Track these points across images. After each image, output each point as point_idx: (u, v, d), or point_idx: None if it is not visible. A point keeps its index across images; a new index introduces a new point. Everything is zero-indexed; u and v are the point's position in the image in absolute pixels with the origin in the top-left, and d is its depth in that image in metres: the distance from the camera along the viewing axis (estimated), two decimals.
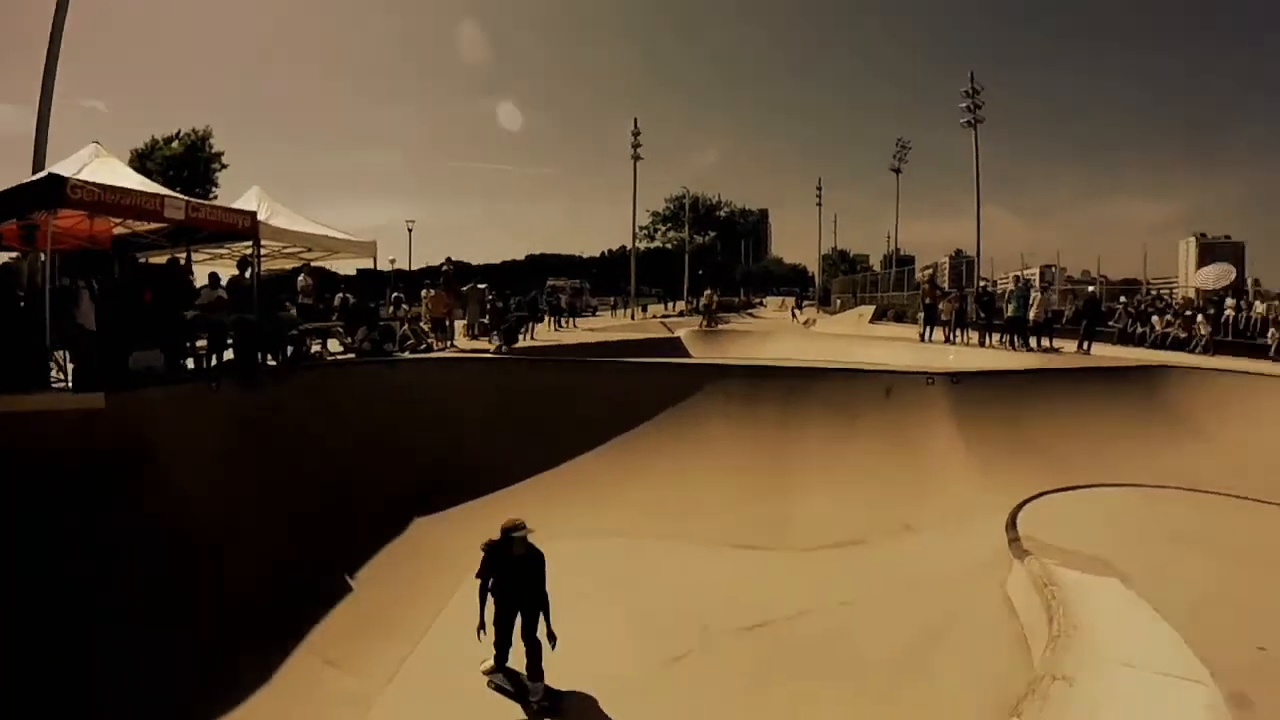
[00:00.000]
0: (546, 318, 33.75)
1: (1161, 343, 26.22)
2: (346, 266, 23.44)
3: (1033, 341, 23.65)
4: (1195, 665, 4.40)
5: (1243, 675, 4.34)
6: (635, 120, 54.23)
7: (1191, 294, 32.98)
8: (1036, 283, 37.33)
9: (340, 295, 19.48)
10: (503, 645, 7.93)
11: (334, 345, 18.09)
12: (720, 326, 38.41)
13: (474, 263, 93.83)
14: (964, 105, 46.51)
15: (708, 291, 45.32)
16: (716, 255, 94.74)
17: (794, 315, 54.99)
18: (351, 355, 17.37)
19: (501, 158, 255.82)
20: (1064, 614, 4.56)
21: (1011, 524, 6.40)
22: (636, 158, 53.93)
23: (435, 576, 10.37)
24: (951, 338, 26.48)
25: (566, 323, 36.37)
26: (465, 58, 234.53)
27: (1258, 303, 28.31)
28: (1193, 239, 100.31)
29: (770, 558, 10.84)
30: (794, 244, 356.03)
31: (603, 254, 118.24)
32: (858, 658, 7.53)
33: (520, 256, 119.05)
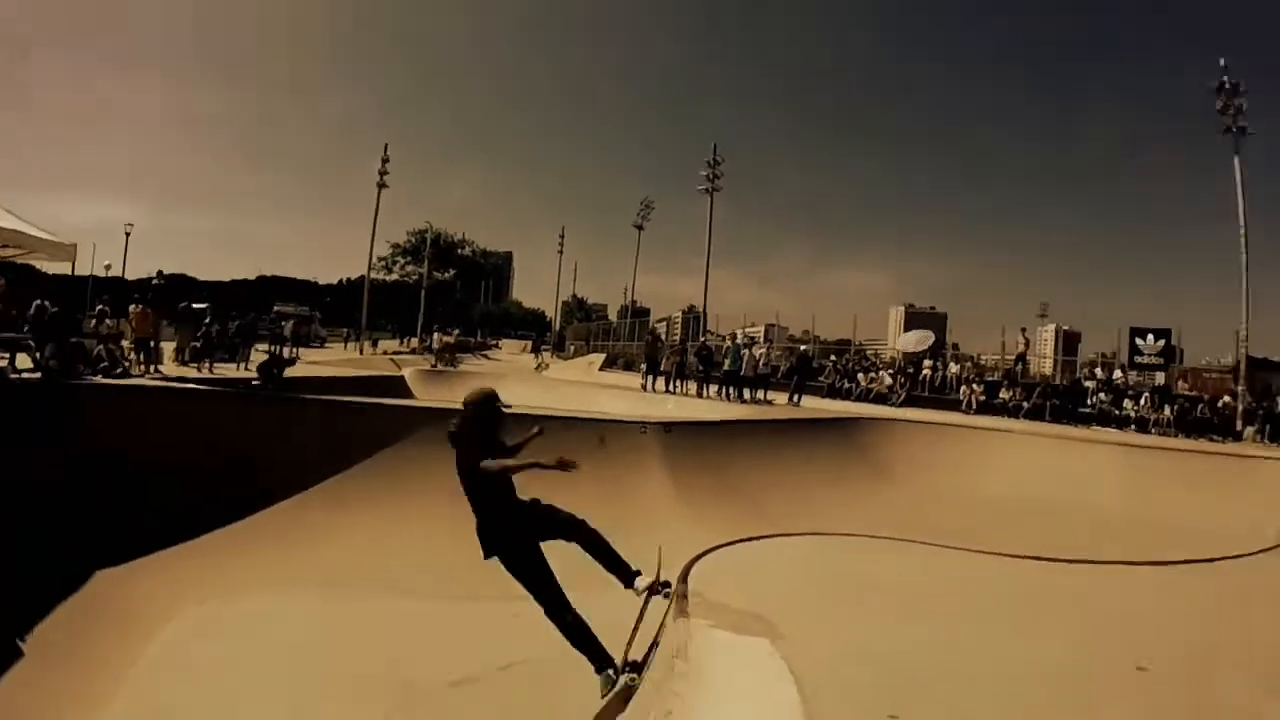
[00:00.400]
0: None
1: (865, 397, 28.64)
2: (57, 269, 21.23)
3: (748, 393, 24.74)
4: None
5: None
6: (385, 146, 52.37)
7: (896, 355, 36.48)
8: (761, 339, 39.71)
9: (37, 303, 17.26)
10: (578, 628, 6.08)
11: (24, 361, 16.18)
12: (453, 368, 37.76)
13: (200, 278, 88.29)
14: (705, 174, 48.72)
15: (456, 331, 44.74)
16: (456, 294, 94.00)
17: (538, 358, 55.39)
18: (39, 375, 15.42)
19: (244, 165, 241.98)
20: (670, 690, 4.23)
21: (683, 578, 6.36)
22: (382, 185, 52.00)
23: (118, 641, 9.30)
24: (672, 388, 27.22)
25: (291, 353, 34.71)
26: (207, 50, 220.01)
27: (952, 364, 32.42)
28: (901, 307, 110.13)
29: (480, 608, 10.42)
30: (536, 288, 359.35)
31: (340, 282, 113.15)
32: (561, 714, 7.36)
33: (252, 276, 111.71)
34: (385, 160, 51.67)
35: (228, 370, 20.20)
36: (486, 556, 6.14)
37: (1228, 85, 32.41)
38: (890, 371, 31.65)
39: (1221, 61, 32.96)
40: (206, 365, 21.12)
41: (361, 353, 45.46)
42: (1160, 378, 32.61)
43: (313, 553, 11.85)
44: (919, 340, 35.38)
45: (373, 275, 59.72)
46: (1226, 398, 29.11)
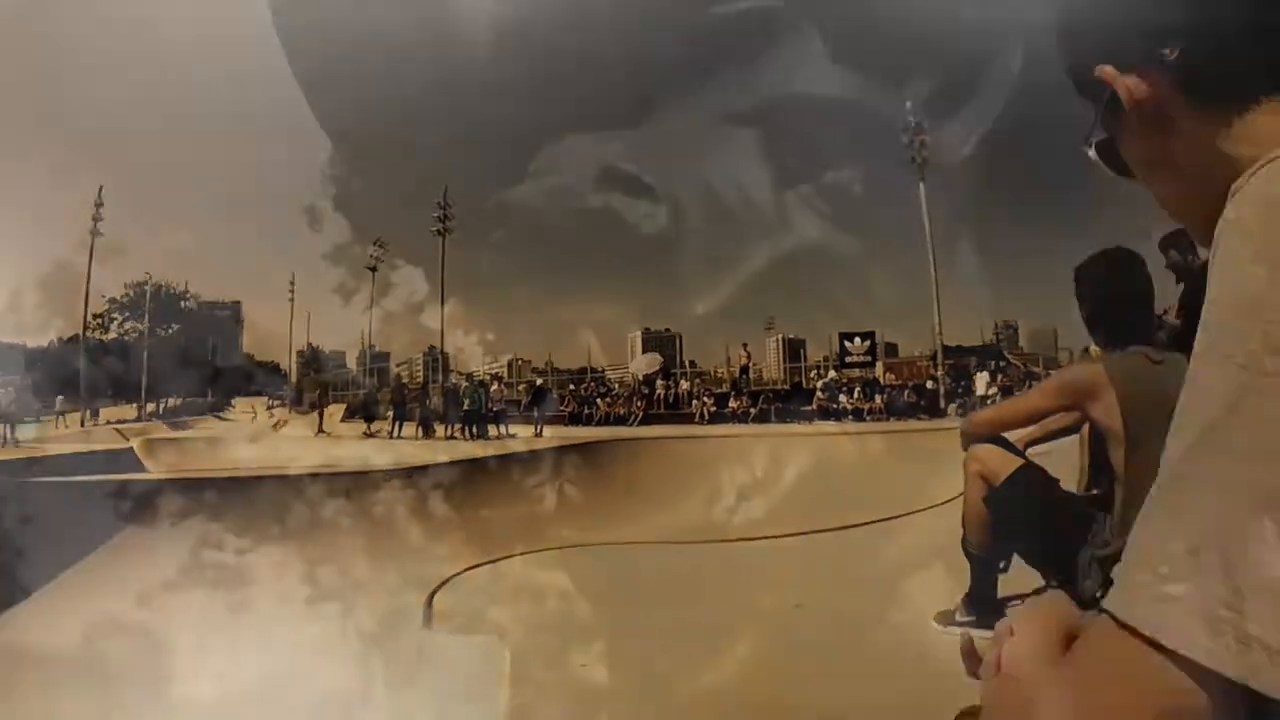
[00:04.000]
0: None
1: (606, 420, 29.77)
2: None
3: (491, 430, 25.33)
4: None
5: None
6: (100, 189, 47.50)
7: (632, 378, 38.18)
8: (505, 374, 40.59)
9: None
10: None
11: None
12: (179, 434, 35.65)
13: None
14: (436, 215, 48.52)
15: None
16: (181, 351, 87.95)
17: (272, 415, 53.12)
18: None
19: None
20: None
21: (428, 602, 6.81)
22: (96, 233, 47.32)
23: None
24: (419, 433, 27.34)
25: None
26: None
27: (683, 381, 33.99)
28: (639, 331, 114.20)
29: None
30: (267, 340, 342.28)
31: (52, 343, 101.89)
32: None
33: None
34: (99, 204, 47.19)
35: None
36: None
37: (913, 124, 36.88)
38: (626, 394, 33.22)
39: (907, 104, 37.34)
40: None
41: (83, 424, 41.46)
42: (880, 369, 35.98)
43: None
44: (648, 364, 37.35)
45: (89, 335, 54.74)
46: (929, 382, 32.59)
